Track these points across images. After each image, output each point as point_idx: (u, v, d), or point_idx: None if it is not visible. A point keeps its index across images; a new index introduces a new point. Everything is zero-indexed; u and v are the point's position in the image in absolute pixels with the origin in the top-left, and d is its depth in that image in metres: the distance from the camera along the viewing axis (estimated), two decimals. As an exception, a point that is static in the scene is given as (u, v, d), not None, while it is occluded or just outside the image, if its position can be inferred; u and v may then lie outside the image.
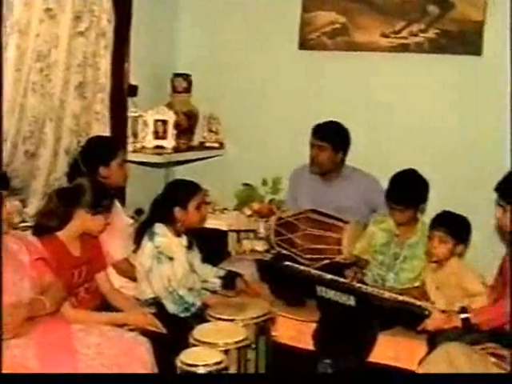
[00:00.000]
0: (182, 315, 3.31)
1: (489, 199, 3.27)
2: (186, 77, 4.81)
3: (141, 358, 2.84)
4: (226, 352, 2.83)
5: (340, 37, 4.65)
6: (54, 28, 3.58)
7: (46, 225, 3.08)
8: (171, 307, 3.31)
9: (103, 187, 3.20)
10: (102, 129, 4.02)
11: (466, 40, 4.32)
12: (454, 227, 3.37)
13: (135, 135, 4.43)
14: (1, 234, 2.72)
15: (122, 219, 3.69)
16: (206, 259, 3.74)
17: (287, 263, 3.74)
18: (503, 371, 2.68)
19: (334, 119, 4.17)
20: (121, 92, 4.23)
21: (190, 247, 3.57)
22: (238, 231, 4.71)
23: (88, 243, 3.21)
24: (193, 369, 2.68)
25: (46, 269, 2.88)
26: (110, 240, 3.43)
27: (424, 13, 4.42)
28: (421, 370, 2.76)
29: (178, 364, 2.72)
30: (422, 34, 4.44)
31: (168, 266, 3.35)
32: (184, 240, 3.53)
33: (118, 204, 3.67)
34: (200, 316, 3.26)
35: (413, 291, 3.57)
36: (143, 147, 4.46)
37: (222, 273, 3.75)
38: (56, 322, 2.81)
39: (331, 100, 4.62)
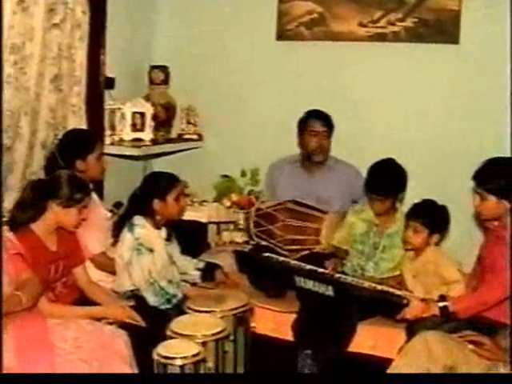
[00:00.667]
0: (163, 307, 3.30)
1: (467, 188, 3.30)
2: (164, 69, 4.79)
3: (119, 352, 2.83)
4: (204, 344, 2.83)
5: (317, 27, 4.65)
6: (28, 20, 3.53)
7: (20, 217, 3.03)
8: (152, 299, 3.30)
9: (79, 180, 3.16)
10: (79, 122, 3.99)
11: (443, 29, 4.34)
12: (429, 217, 3.38)
13: (113, 128, 4.41)
14: (0, 235, 2.71)
15: (99, 213, 3.66)
16: (185, 251, 3.74)
17: (266, 254, 3.74)
18: (481, 358, 2.70)
19: (314, 108, 4.19)
20: (97, 84, 4.19)
21: (169, 239, 3.56)
22: (217, 223, 4.69)
23: (65, 237, 3.18)
24: (170, 361, 2.68)
25: (23, 264, 2.85)
26: (87, 234, 3.40)
27: (401, 2, 4.43)
28: (399, 359, 2.76)
29: (155, 357, 2.71)
30: (399, 23, 4.45)
31: (148, 258, 3.33)
32: (163, 232, 3.52)
33: (95, 197, 3.64)
34: (179, 308, 3.26)
35: (392, 280, 3.58)
36: (121, 140, 4.43)
37: (201, 265, 3.74)
38: (33, 318, 2.79)
39: (309, 90, 4.62)
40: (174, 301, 3.31)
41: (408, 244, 3.45)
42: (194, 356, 2.69)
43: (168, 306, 3.30)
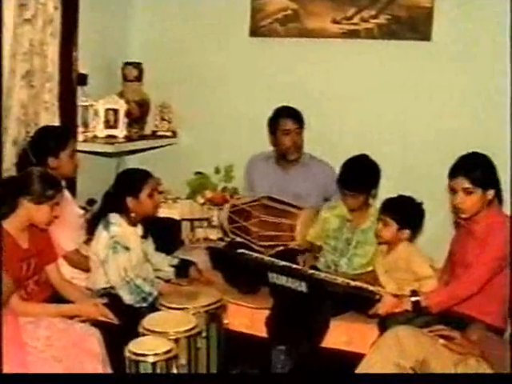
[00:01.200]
0: (138, 305, 3.28)
1: (442, 184, 3.33)
2: (137, 65, 4.76)
3: (91, 350, 2.83)
4: (176, 341, 2.83)
5: (291, 23, 4.65)
6: (-1, 15, 3.51)
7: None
8: (128, 297, 3.28)
9: (50, 177, 3.14)
10: (51, 118, 3.95)
11: (415, 26, 4.35)
12: (399, 212, 3.40)
13: (86, 125, 4.38)
14: (0, 235, 2.69)
15: (72, 210, 3.64)
16: (159, 248, 3.73)
17: (240, 251, 3.74)
18: (452, 352, 2.72)
19: (286, 105, 4.20)
20: (70, 81, 4.15)
21: (144, 236, 3.55)
22: (191, 220, 4.69)
23: (37, 235, 3.15)
24: (142, 358, 2.68)
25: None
26: (60, 231, 3.38)
27: (374, -1, 4.45)
28: (371, 354, 2.78)
29: (127, 354, 2.71)
30: (372, 20, 4.46)
31: (124, 256, 3.32)
32: (139, 229, 3.51)
33: (68, 194, 3.62)
34: (152, 305, 3.25)
35: (366, 276, 3.60)
36: (94, 137, 4.40)
37: (175, 261, 3.74)
38: (4, 315, 2.76)
39: (283, 87, 4.60)
40: (150, 299, 3.30)
41: (378, 237, 3.50)
42: (166, 353, 2.70)
43: (144, 305, 3.28)
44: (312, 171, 4.20)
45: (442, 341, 2.77)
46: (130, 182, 3.46)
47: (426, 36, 4.32)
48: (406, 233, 3.42)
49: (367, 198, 3.71)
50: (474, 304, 3.07)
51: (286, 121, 4.13)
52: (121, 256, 3.31)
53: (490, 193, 3.11)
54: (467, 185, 3.08)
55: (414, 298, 3.12)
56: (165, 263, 3.71)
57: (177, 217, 4.58)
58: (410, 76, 4.40)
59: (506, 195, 3.27)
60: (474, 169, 3.09)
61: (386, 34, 4.42)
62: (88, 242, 3.51)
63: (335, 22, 4.53)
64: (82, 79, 4.33)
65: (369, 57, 4.48)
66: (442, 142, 4.25)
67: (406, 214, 3.42)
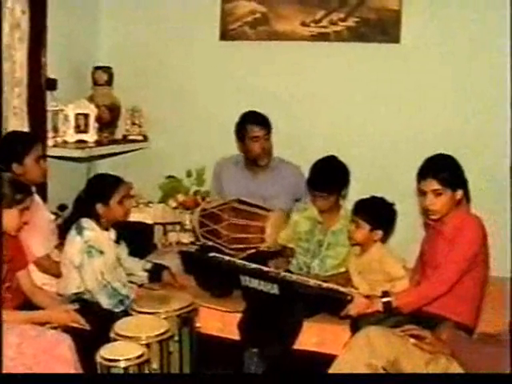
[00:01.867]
0: (116, 309, 3.26)
1: (412, 185, 3.37)
2: (107, 69, 4.76)
3: (63, 356, 2.80)
4: (148, 345, 2.82)
5: (261, 26, 4.68)
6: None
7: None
8: (106, 301, 3.27)
9: (19, 182, 3.11)
10: (20, 124, 3.93)
11: (384, 28, 4.41)
12: (371, 213, 3.41)
13: (56, 129, 4.35)
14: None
15: (43, 215, 3.61)
16: (132, 252, 3.72)
17: (211, 254, 3.74)
18: (423, 351, 2.74)
19: (255, 108, 4.18)
20: (39, 86, 4.13)
21: (117, 241, 3.54)
22: (163, 224, 4.68)
23: (7, 241, 3.11)
24: (113, 363, 2.66)
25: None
26: (30, 237, 3.35)
27: (343, 2, 4.49)
28: (343, 354, 2.79)
29: (98, 359, 2.69)
30: (341, 23, 4.50)
31: (99, 260, 3.31)
32: (112, 234, 3.50)
33: (38, 200, 3.59)
34: (123, 310, 3.24)
35: (338, 277, 3.61)
36: (64, 142, 4.38)
37: (148, 266, 3.74)
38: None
39: (253, 90, 4.64)
40: (127, 302, 3.28)
41: (351, 239, 3.51)
42: (137, 358, 2.68)
43: (122, 308, 3.27)
44: (281, 174, 4.20)
45: (412, 340, 2.79)
46: (100, 189, 3.44)
47: (394, 38, 4.38)
48: (379, 234, 3.44)
49: (337, 200, 3.72)
50: (444, 303, 3.09)
51: (253, 127, 4.10)
52: (96, 260, 3.30)
53: (459, 193, 3.14)
54: (437, 186, 3.10)
55: (385, 299, 3.13)
56: (138, 267, 3.70)
57: (149, 221, 4.57)
58: (379, 78, 4.45)
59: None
60: (443, 170, 3.12)
61: (355, 36, 4.47)
62: (59, 247, 3.48)
63: (304, 24, 4.57)
64: (52, 84, 4.31)
65: (338, 59, 4.53)
66: (411, 143, 4.31)
67: (378, 214, 3.44)
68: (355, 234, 3.43)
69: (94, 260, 3.29)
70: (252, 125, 4.11)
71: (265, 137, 4.12)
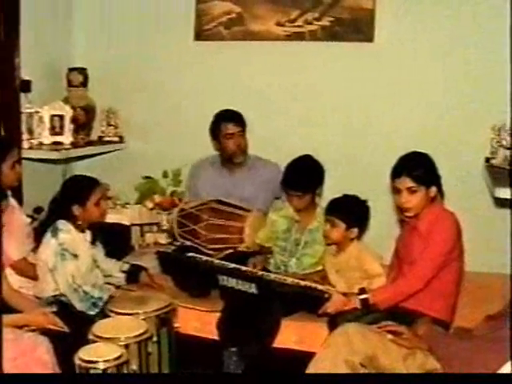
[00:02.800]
0: (91, 312, 3.25)
1: (384, 183, 3.39)
2: (82, 70, 4.72)
3: (40, 359, 2.80)
4: (127, 346, 2.81)
5: (236, 27, 4.68)
6: None
7: None
8: (78, 305, 3.25)
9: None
10: (-6, 127, 3.91)
11: (358, 27, 4.44)
12: (346, 212, 3.44)
13: (31, 132, 4.31)
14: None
15: (18, 218, 3.58)
16: (109, 254, 3.70)
17: (189, 254, 3.75)
18: (400, 347, 2.77)
19: (231, 108, 4.20)
20: (13, 88, 4.10)
21: (93, 242, 3.52)
22: (140, 225, 4.67)
23: (-17, 245, 3.11)
24: (92, 365, 2.65)
25: None
26: (7, 240, 3.30)
27: (317, 1, 4.51)
28: (321, 352, 2.80)
29: (77, 361, 2.68)
30: (316, 23, 4.52)
31: (72, 263, 3.29)
32: (88, 235, 3.48)
33: (14, 203, 3.57)
34: (102, 311, 3.23)
35: (315, 276, 3.64)
36: (40, 144, 4.34)
37: (126, 267, 3.73)
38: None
39: (229, 90, 4.65)
40: (100, 303, 3.27)
41: (327, 239, 3.52)
42: (116, 359, 2.66)
43: (96, 310, 3.26)
44: (258, 173, 4.22)
45: (390, 336, 2.82)
46: (76, 191, 3.43)
47: (368, 37, 4.41)
48: (354, 231, 3.46)
49: (313, 198, 3.74)
50: (421, 299, 3.13)
51: (227, 125, 4.12)
52: (69, 263, 3.28)
53: (433, 190, 3.18)
54: (411, 184, 3.13)
55: (362, 296, 3.16)
56: (115, 269, 3.69)
57: (126, 222, 4.57)
58: (354, 77, 4.48)
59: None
60: (417, 168, 3.15)
61: (329, 35, 4.50)
62: (36, 250, 3.46)
63: (279, 24, 4.58)
64: (26, 86, 4.27)
65: (313, 58, 4.55)
66: (385, 140, 4.34)
67: (353, 213, 3.46)
68: (331, 234, 3.45)
69: (66, 263, 3.28)
70: (226, 122, 4.13)
71: (239, 133, 4.14)
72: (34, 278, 3.43)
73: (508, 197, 3.21)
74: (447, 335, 2.84)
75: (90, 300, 3.27)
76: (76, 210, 3.38)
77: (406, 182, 3.14)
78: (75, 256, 3.32)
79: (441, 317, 3.13)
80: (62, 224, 3.36)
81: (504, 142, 3.92)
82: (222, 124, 4.14)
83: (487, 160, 3.98)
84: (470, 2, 4.19)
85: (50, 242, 3.32)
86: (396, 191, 3.22)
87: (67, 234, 3.34)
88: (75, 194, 3.41)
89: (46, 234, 3.35)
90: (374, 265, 3.42)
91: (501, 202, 3.99)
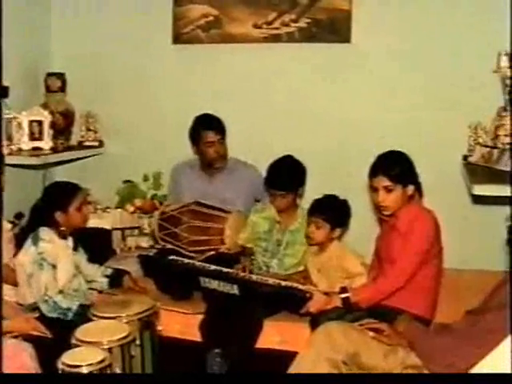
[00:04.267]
0: (62, 317, 3.25)
1: (362, 182, 3.42)
2: (60, 76, 4.71)
3: (24, 365, 2.78)
4: (110, 350, 2.81)
5: (214, 29, 4.69)
6: None
7: None
8: (47, 313, 3.25)
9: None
10: (-27, 133, 3.87)
11: (335, 28, 4.47)
12: (330, 213, 3.46)
13: (10, 137, 4.30)
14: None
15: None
16: (91, 258, 3.70)
17: (170, 257, 3.75)
18: (381, 344, 2.80)
19: (210, 111, 4.19)
20: (-10, 94, 4.08)
21: (75, 248, 3.52)
22: (122, 229, 4.67)
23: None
24: (75, 370, 2.65)
25: None
26: (-14, 246, 3.32)
27: (294, 3, 4.53)
28: (304, 351, 2.82)
29: (60, 366, 2.68)
30: (293, 24, 4.55)
31: (48, 274, 3.29)
32: (70, 242, 3.48)
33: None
34: (84, 316, 3.23)
35: (297, 276, 3.66)
36: (19, 149, 4.32)
37: (108, 271, 3.73)
38: None
39: (208, 92, 4.65)
40: (70, 314, 3.25)
41: (311, 239, 3.53)
42: (99, 363, 2.67)
43: (66, 318, 3.25)
44: (238, 175, 4.23)
45: (371, 333, 2.83)
46: (58, 197, 3.43)
47: (345, 38, 4.44)
48: (338, 232, 3.50)
49: (295, 199, 3.76)
50: (401, 297, 3.16)
51: (207, 133, 4.10)
52: (44, 273, 3.27)
53: (410, 188, 3.21)
54: (387, 182, 3.17)
55: (343, 295, 3.19)
56: (98, 274, 3.69)
57: (107, 226, 4.56)
58: (332, 77, 4.51)
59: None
60: (393, 167, 3.18)
61: (306, 37, 4.53)
62: (16, 255, 3.45)
63: (256, 26, 4.60)
64: (3, 91, 4.24)
65: (291, 60, 4.57)
66: (363, 140, 4.38)
67: (337, 213, 3.49)
68: (315, 235, 3.47)
69: (42, 273, 3.27)
70: (206, 130, 4.11)
71: (219, 141, 4.13)
72: (15, 284, 3.41)
73: (485, 193, 3.25)
74: (427, 331, 2.86)
75: (57, 310, 3.25)
76: (58, 216, 3.37)
77: (383, 181, 3.18)
78: (53, 266, 3.31)
79: (421, 313, 3.16)
80: (43, 232, 3.35)
81: (481, 140, 3.97)
82: (202, 132, 4.11)
83: (465, 158, 4.03)
84: (445, 3, 4.23)
85: (29, 249, 3.31)
86: (373, 190, 3.26)
87: (48, 242, 3.33)
88: (57, 201, 3.41)
89: (27, 240, 3.34)
90: (354, 264, 3.45)
91: (478, 199, 4.03)
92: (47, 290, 3.26)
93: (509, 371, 1.88)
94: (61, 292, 3.33)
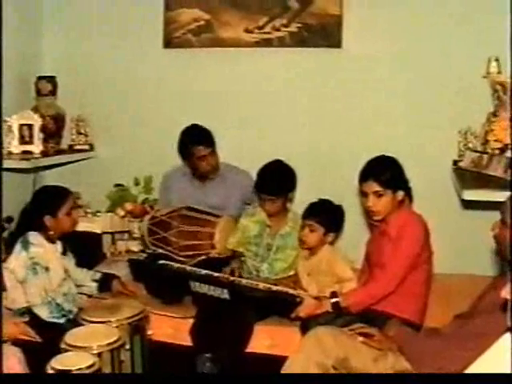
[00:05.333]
0: (58, 321, 3.26)
1: (352, 187, 3.43)
2: (51, 79, 4.70)
3: (13, 369, 2.77)
4: (99, 355, 2.80)
5: (205, 34, 4.69)
6: None
7: None
8: (46, 315, 3.26)
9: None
10: (-37, 137, 3.87)
11: (326, 33, 4.47)
12: (325, 216, 3.48)
13: (-1, 141, 4.30)
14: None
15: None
16: (80, 263, 3.69)
17: (160, 261, 3.75)
18: (371, 348, 2.80)
19: (201, 115, 4.25)
20: (-20, 98, 4.07)
21: (64, 253, 3.52)
22: (112, 233, 4.65)
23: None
24: (65, 374, 2.65)
25: None
26: (-25, 251, 3.31)
27: (285, 8, 4.53)
28: (294, 355, 2.82)
29: (49, 371, 2.67)
30: (284, 29, 4.55)
31: (44, 277, 3.29)
32: (59, 246, 3.48)
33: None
34: (73, 320, 3.22)
35: (287, 280, 3.67)
36: (9, 153, 4.31)
37: (98, 276, 3.72)
38: None
39: (198, 97, 4.65)
40: (70, 316, 3.28)
41: (304, 243, 3.54)
42: (88, 367, 2.66)
43: (62, 321, 3.26)
44: (230, 181, 4.24)
45: (361, 338, 2.84)
46: (48, 201, 3.43)
47: (336, 43, 4.45)
48: (331, 236, 3.51)
49: (285, 203, 3.77)
50: (391, 302, 3.17)
51: (198, 148, 4.08)
52: (40, 277, 3.28)
53: (400, 194, 3.23)
54: (377, 188, 3.18)
55: (333, 300, 3.20)
56: (87, 278, 3.68)
57: (98, 230, 4.54)
58: (322, 82, 4.51)
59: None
60: (383, 172, 3.20)
61: (297, 41, 4.53)
62: (5, 260, 3.43)
63: (248, 31, 4.60)
64: (-7, 95, 4.25)
65: (282, 65, 4.57)
66: (354, 145, 4.37)
67: (332, 217, 3.52)
68: (309, 238, 3.48)
69: (38, 277, 3.27)
70: (196, 145, 4.09)
71: (210, 154, 4.13)
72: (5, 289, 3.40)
73: (475, 198, 3.27)
74: (417, 335, 2.87)
75: (60, 312, 3.27)
76: (47, 220, 3.37)
77: (373, 186, 3.19)
78: (47, 269, 3.31)
79: (411, 318, 3.17)
80: (32, 237, 3.35)
81: (471, 145, 4.00)
82: (192, 147, 4.10)
83: (455, 163, 4.05)
84: (436, 7, 4.25)
85: (20, 255, 3.30)
86: (363, 195, 3.28)
87: (38, 247, 3.33)
88: (46, 205, 3.41)
89: (16, 245, 3.33)
90: (344, 269, 3.46)
91: (468, 204, 4.04)
92: (47, 292, 3.26)
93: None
94: (64, 294, 3.35)
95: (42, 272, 3.29)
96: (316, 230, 3.46)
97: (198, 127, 4.15)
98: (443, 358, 2.48)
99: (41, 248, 3.34)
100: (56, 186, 3.55)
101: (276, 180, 3.70)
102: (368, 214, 3.36)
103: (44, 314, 3.25)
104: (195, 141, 4.11)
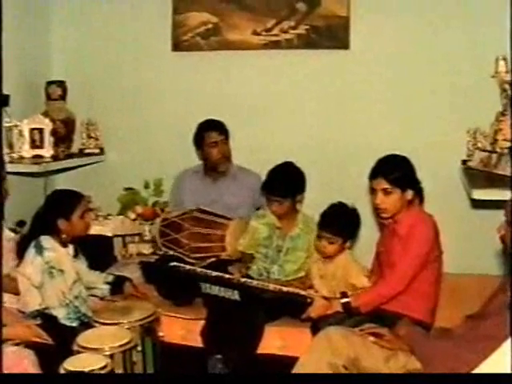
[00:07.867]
0: (73, 324, 3.27)
1: (364, 188, 3.44)
2: (61, 83, 4.73)
3: (26, 372, 2.79)
4: (112, 356, 2.82)
5: (213, 37, 4.72)
6: None
7: None
8: (63, 317, 3.26)
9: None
10: (-26, 141, 3.89)
11: (333, 35, 4.49)
12: (342, 227, 3.44)
13: (11, 145, 4.31)
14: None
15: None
16: (92, 266, 3.70)
17: (172, 263, 3.76)
18: (382, 348, 2.81)
19: (211, 118, 4.26)
20: (-9, 102, 4.10)
21: (76, 255, 3.52)
22: (123, 236, 4.68)
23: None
24: (78, 376, 2.66)
25: None
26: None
27: (293, 10, 4.56)
28: (305, 356, 2.83)
29: (62, 372, 2.69)
30: (292, 31, 4.58)
31: (60, 280, 3.30)
32: (71, 249, 3.48)
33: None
34: (86, 323, 3.25)
35: (297, 282, 3.66)
36: (20, 157, 4.34)
37: (110, 278, 3.72)
38: None
39: (208, 99, 4.68)
40: (85, 320, 3.29)
41: (323, 253, 3.50)
42: (101, 369, 2.68)
43: (76, 324, 3.27)
44: (240, 182, 4.26)
45: (371, 338, 2.85)
46: (61, 204, 3.43)
47: (344, 44, 4.47)
48: (349, 242, 3.50)
49: (293, 205, 3.76)
50: (401, 301, 3.17)
51: (211, 133, 4.19)
52: (57, 280, 3.28)
53: (409, 193, 3.23)
54: (386, 185, 3.20)
55: (344, 300, 3.20)
56: (99, 281, 3.68)
57: (109, 233, 4.56)
58: (331, 83, 4.53)
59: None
60: (393, 170, 3.21)
61: (305, 43, 4.55)
62: (19, 265, 3.45)
63: (256, 33, 4.63)
64: (4, 100, 4.25)
65: (290, 66, 4.59)
66: (363, 146, 4.38)
67: (349, 225, 3.49)
68: (327, 249, 3.45)
69: (55, 280, 3.28)
70: (209, 131, 4.20)
71: (223, 141, 4.20)
72: (17, 293, 3.41)
73: (484, 198, 3.27)
74: (427, 336, 2.87)
75: (76, 314, 3.29)
76: (61, 223, 3.37)
77: (381, 183, 3.21)
78: (62, 271, 3.32)
79: (421, 318, 3.17)
80: (45, 241, 3.34)
81: (479, 145, 4.00)
82: (206, 133, 4.20)
83: (464, 162, 4.05)
84: (443, 9, 4.26)
85: (35, 260, 3.29)
86: (372, 192, 3.29)
87: (52, 251, 3.32)
88: (60, 208, 3.41)
89: (29, 249, 3.33)
90: (359, 277, 3.43)
91: (477, 204, 4.04)
92: (65, 294, 3.29)
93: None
94: (76, 297, 3.37)
95: (58, 275, 3.30)
96: (335, 242, 3.43)
97: (212, 118, 4.27)
98: (454, 359, 2.47)
99: (54, 252, 3.34)
100: (69, 190, 3.55)
101: (282, 181, 3.70)
102: (376, 211, 3.37)
103: (61, 315, 3.27)
104: (208, 127, 4.22)
